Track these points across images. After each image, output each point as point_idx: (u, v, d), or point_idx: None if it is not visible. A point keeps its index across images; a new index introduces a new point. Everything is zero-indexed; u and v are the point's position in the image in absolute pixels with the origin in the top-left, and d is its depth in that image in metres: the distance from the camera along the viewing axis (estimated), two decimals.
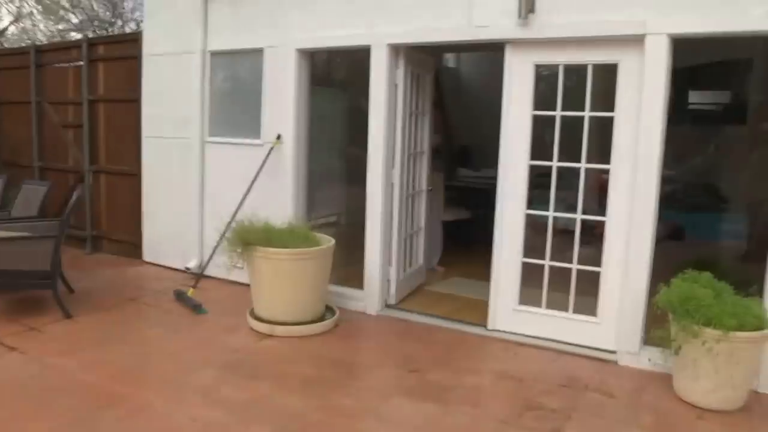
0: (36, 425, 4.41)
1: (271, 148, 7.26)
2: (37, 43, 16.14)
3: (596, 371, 5.44)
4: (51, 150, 10.18)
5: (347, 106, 8.88)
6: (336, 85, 9.10)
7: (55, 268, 6.59)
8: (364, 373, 5.45)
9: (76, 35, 24.99)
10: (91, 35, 21.46)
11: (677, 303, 4.81)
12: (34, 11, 26.92)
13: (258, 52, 7.44)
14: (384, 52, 6.58)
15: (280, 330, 6.12)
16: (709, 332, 4.62)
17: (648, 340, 5.42)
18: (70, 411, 4.60)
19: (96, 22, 28.12)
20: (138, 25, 25.31)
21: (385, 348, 6.12)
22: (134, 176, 8.88)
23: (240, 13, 7.57)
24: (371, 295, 6.85)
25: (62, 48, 10.46)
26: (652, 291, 5.24)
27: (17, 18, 26.65)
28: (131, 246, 9.08)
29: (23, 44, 20.26)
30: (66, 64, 9.91)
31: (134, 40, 8.89)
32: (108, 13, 29.16)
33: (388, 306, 6.95)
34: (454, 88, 11.43)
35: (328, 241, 6.48)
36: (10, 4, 26.03)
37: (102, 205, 9.53)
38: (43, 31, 27.16)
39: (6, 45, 23.49)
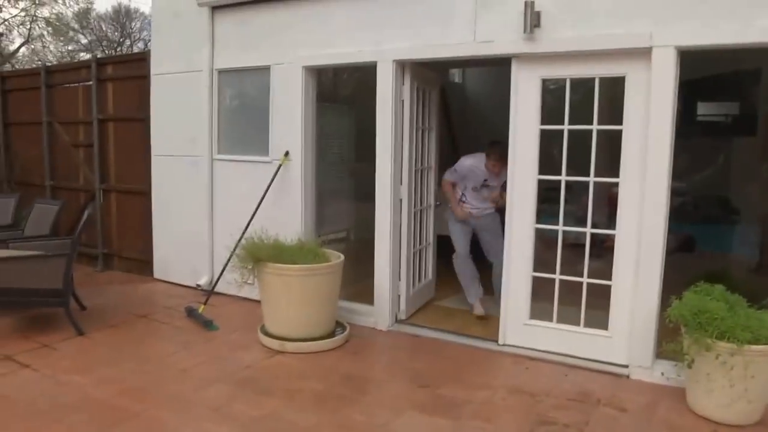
0: None
1: (280, 165, 7.25)
2: (47, 64, 16.26)
3: (608, 385, 5.38)
4: (62, 169, 10.22)
5: (354, 122, 8.88)
6: (343, 102, 9.11)
7: (67, 286, 6.62)
8: (376, 388, 5.39)
9: (85, 55, 25.19)
10: (100, 55, 21.56)
11: (690, 316, 4.75)
12: (45, 33, 27.16)
13: (265, 70, 7.45)
14: (390, 68, 6.58)
15: (291, 346, 6.10)
16: (723, 346, 4.56)
17: (660, 353, 5.33)
18: (82, 428, 4.60)
19: (105, 42, 28.38)
20: (146, 44, 25.58)
21: (396, 363, 6.07)
22: (144, 194, 8.89)
23: (246, 31, 7.59)
24: (381, 310, 6.82)
25: (71, 68, 10.54)
26: (664, 304, 5.18)
27: (28, 40, 26.87)
28: (142, 263, 9.09)
29: (34, 65, 20.40)
30: (75, 84, 9.95)
31: (142, 59, 8.94)
32: (116, 33, 29.43)
33: (398, 321, 6.92)
34: (460, 103, 11.43)
35: (337, 257, 6.46)
36: (21, 27, 26.27)
37: (113, 223, 9.54)
38: (53, 52, 27.40)
39: (17, 66, 23.65)
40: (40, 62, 23.16)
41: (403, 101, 6.71)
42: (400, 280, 6.92)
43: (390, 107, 6.61)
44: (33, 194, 9.58)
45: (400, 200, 6.80)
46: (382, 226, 6.76)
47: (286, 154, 7.23)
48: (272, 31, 7.36)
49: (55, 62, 21.63)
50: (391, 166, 6.65)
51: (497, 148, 6.78)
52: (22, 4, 25.53)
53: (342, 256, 6.48)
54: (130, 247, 9.35)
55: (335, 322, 6.47)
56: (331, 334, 6.31)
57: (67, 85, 10.12)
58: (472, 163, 7.10)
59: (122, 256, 9.49)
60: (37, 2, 25.64)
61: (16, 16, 26.02)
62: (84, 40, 28.91)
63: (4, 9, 25.57)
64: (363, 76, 7.17)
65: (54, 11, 26.54)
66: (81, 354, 6.10)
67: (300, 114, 7.17)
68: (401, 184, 6.81)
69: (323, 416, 4.79)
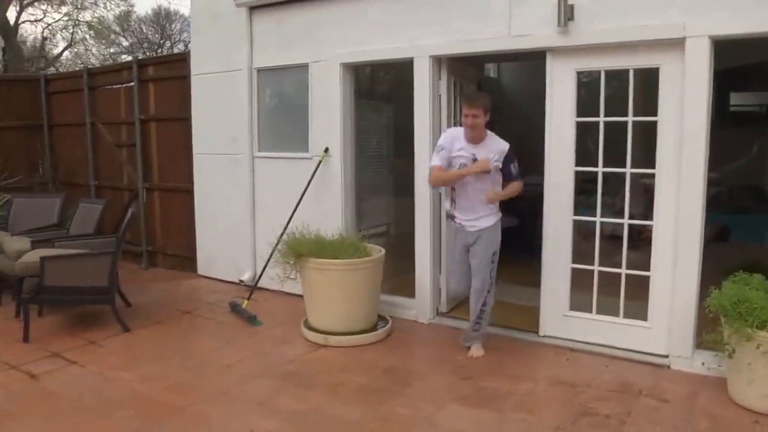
0: None
1: (320, 161, 7.26)
2: (90, 66, 16.42)
3: (649, 376, 5.32)
4: (106, 169, 10.32)
5: (392, 118, 8.84)
6: (380, 98, 9.08)
7: (113, 284, 6.69)
8: (418, 381, 5.35)
9: (126, 57, 25.37)
10: (141, 57, 21.71)
11: (729, 306, 4.68)
12: (87, 36, 27.45)
13: (303, 68, 7.46)
14: (426, 63, 6.55)
15: (333, 340, 6.11)
16: (764, 335, 4.49)
17: (700, 344, 5.24)
18: (130, 423, 4.65)
19: (145, 45, 28.60)
20: (186, 45, 25.75)
21: (438, 356, 6.01)
22: (187, 192, 8.95)
23: (284, 29, 7.60)
24: (422, 303, 6.79)
25: (113, 70, 10.59)
26: (703, 294, 5.11)
27: (71, 44, 27.18)
28: (185, 260, 9.15)
29: (77, 68, 20.61)
30: (117, 86, 10.03)
31: (182, 59, 9.00)
32: (157, 35, 29.64)
33: (439, 314, 6.89)
34: (496, 97, 11.31)
35: (378, 251, 6.44)
36: (64, 31, 26.59)
37: (156, 221, 9.61)
38: (95, 54, 27.68)
39: (61, 69, 23.89)
40: (83, 65, 23.41)
41: (440, 96, 6.68)
42: (441, 273, 6.88)
43: (427, 102, 6.58)
44: (77, 194, 9.65)
45: (440, 194, 6.73)
46: (422, 220, 6.74)
47: (326, 150, 7.23)
48: (309, 29, 7.36)
49: (97, 65, 21.84)
50: (426, 161, 6.57)
51: (471, 94, 5.99)
52: (64, 9, 25.87)
53: (383, 251, 6.47)
54: (173, 244, 9.42)
55: (377, 315, 6.47)
56: (373, 328, 6.32)
57: (109, 87, 10.19)
58: (451, 132, 5.86)
59: (166, 253, 9.56)
60: (79, 6, 25.95)
61: (59, 20, 26.38)
62: (125, 43, 29.16)
63: (47, 14, 25.95)
64: (399, 72, 7.13)
65: (96, 15, 26.86)
66: (127, 350, 6.17)
67: (339, 110, 7.16)
68: None
69: (366, 410, 4.79)
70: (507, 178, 5.65)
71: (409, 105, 6.75)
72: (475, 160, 5.56)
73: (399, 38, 6.69)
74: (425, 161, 6.55)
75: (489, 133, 5.66)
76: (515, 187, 5.69)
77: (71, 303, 7.01)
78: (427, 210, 6.69)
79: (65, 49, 27.43)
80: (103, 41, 28.40)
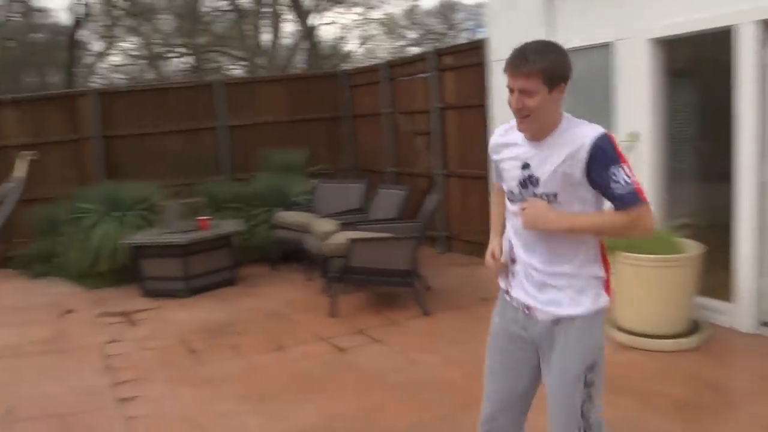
0: (403, 415, 4.49)
1: (626, 146, 6.49)
2: (378, 60, 16.97)
3: None
4: (402, 156, 10.43)
5: (694, 96, 7.93)
6: (678, 75, 8.16)
7: (415, 267, 6.74)
8: (745, 401, 4.45)
9: (413, 50, 26.07)
10: (426, 48, 22.06)
11: None
12: (377, 32, 28.70)
13: (605, 47, 6.75)
14: (751, 30, 5.41)
15: (642, 342, 5.36)
16: None
17: None
18: (435, 407, 4.56)
19: (431, 36, 29.10)
20: (470, 33, 25.87)
21: (766, 373, 4.94)
22: (483, 179, 8.61)
23: (585, 9, 6.95)
24: (742, 309, 5.66)
25: (409, 61, 10.66)
26: None
27: (365, 40, 28.52)
28: (482, 246, 8.73)
29: (368, 63, 21.48)
30: (413, 76, 10.05)
31: (477, 47, 8.71)
32: (443, 25, 29.98)
33: (764, 324, 5.64)
34: None
35: (693, 247, 5.55)
36: (357, 29, 28.05)
37: (453, 206, 9.50)
38: (385, 48, 28.71)
39: (354, 65, 25.04)
40: (372, 59, 24.31)
41: (767, 66, 5.49)
42: (765, 276, 5.66)
43: (752, 76, 5.44)
44: (374, 180, 9.84)
45: (766, 182, 5.56)
46: (743, 211, 5.63)
47: (634, 134, 6.43)
48: (613, 5, 6.62)
49: (387, 58, 22.61)
50: (754, 144, 5.49)
51: (521, 50, 2.78)
52: (357, 9, 27.16)
53: (701, 247, 5.54)
54: (469, 230, 9.20)
55: (690, 320, 5.56)
56: (686, 333, 5.42)
57: (406, 78, 10.23)
58: (502, 131, 3.10)
59: (461, 239, 9.41)
60: (369, 6, 27.15)
61: (355, 21, 27.73)
62: (412, 35, 29.78)
63: (342, 15, 27.44)
64: (697, 46, 6.23)
65: (385, 13, 27.92)
66: (428, 333, 6.13)
67: (648, 91, 6.33)
68: (766, 163, 5.56)
69: (686, 427, 4.07)
70: (613, 199, 2.60)
71: (712, 81, 5.96)
72: (529, 175, 2.81)
73: (714, 5, 5.67)
74: (749, 144, 5.49)
75: (567, 117, 2.79)
76: (620, 222, 2.62)
77: (377, 283, 7.10)
78: (750, 200, 5.57)
79: (360, 45, 28.69)
80: (392, 36, 29.36)
